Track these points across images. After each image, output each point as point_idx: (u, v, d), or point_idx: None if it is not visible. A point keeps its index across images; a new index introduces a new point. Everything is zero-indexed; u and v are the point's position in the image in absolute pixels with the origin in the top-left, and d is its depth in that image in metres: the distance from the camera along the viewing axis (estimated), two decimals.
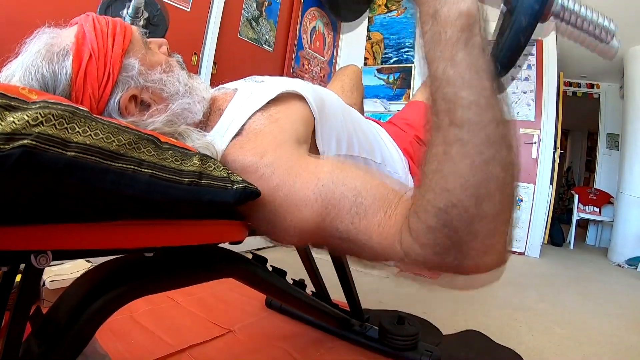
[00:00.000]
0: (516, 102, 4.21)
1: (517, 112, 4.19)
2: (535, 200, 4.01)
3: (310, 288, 1.53)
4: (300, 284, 1.28)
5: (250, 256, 1.01)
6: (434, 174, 0.49)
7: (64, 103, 0.47)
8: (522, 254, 3.96)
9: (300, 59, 3.43)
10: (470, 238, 0.48)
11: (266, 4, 3.05)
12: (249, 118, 0.73)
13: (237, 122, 0.74)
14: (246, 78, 0.95)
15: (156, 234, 0.58)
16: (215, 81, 2.62)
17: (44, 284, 1.50)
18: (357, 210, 0.57)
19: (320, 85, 3.57)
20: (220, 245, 0.75)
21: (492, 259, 0.50)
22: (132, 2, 1.21)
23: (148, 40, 0.78)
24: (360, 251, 0.59)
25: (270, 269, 1.09)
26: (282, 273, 1.16)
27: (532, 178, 4.04)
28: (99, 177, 0.45)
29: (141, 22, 1.26)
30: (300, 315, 1.65)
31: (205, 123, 0.79)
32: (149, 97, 0.73)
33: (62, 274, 1.54)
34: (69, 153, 0.42)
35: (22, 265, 0.51)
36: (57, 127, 0.43)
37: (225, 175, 0.58)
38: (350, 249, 0.60)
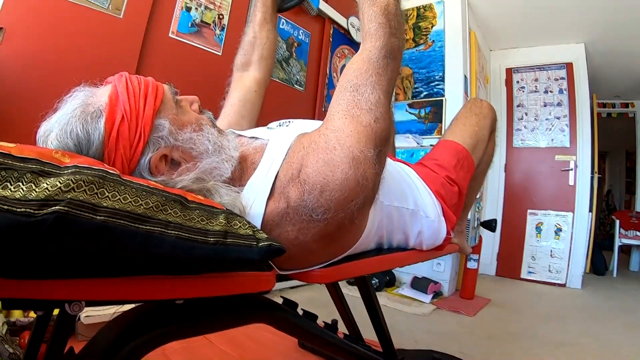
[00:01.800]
0: (550, 129, 4.13)
1: (552, 139, 4.12)
2: (574, 228, 3.86)
3: (342, 327, 1.51)
4: (331, 326, 1.27)
5: (280, 300, 1.01)
6: (374, 9, 0.83)
7: (95, 167, 0.50)
8: (564, 285, 3.78)
9: (332, 97, 3.45)
10: (398, 24, 0.83)
11: (296, 44, 3.10)
12: (287, 151, 0.79)
13: (277, 160, 0.77)
14: (281, 122, 0.98)
15: (184, 287, 0.59)
16: None
17: (79, 319, 1.54)
18: (354, 87, 0.80)
19: None
20: None
21: (405, 37, 0.99)
22: None
23: (179, 97, 0.80)
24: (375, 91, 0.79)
25: (300, 312, 1.09)
26: (312, 317, 1.15)
27: (571, 206, 3.90)
28: (128, 239, 0.48)
29: None
30: (333, 357, 1.61)
31: (239, 178, 0.81)
32: (179, 156, 0.75)
33: (96, 309, 1.58)
34: (99, 217, 0.45)
35: None
36: (88, 192, 0.46)
37: (250, 233, 0.60)
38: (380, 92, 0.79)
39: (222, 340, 1.73)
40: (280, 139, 0.83)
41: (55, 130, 0.67)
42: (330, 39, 3.45)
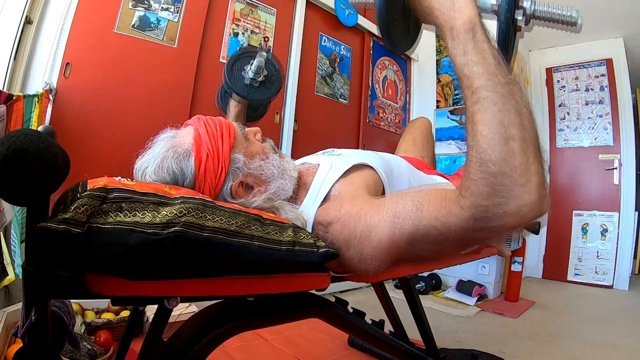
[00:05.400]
0: (593, 128, 4.08)
1: (595, 138, 4.06)
2: (621, 229, 3.78)
3: (388, 327, 1.63)
4: (379, 324, 1.39)
5: (333, 299, 1.14)
6: (471, 144, 0.63)
7: (196, 197, 0.67)
8: (610, 287, 3.71)
9: (375, 108, 3.59)
10: (505, 177, 0.58)
11: (338, 60, 3.25)
12: (331, 188, 0.90)
13: (322, 192, 0.90)
14: (325, 151, 1.12)
15: (258, 284, 0.74)
16: (297, 137, 2.90)
17: (147, 320, 1.73)
18: (418, 207, 0.69)
19: (396, 132, 3.69)
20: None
21: (531, 196, 0.57)
22: (255, 60, 1.42)
23: (246, 130, 0.96)
24: (427, 240, 0.69)
25: (350, 310, 1.21)
26: (361, 314, 1.28)
27: (616, 206, 3.83)
28: (225, 249, 0.64)
29: (260, 78, 1.46)
30: (380, 353, 1.73)
31: (295, 197, 0.95)
32: (252, 181, 0.90)
33: None
34: (204, 234, 0.61)
35: None
36: (195, 216, 0.62)
37: (312, 242, 0.75)
38: (421, 247, 0.71)
39: (278, 339, 1.88)
40: (328, 166, 0.97)
41: (151, 166, 0.84)
42: (371, 52, 3.58)
